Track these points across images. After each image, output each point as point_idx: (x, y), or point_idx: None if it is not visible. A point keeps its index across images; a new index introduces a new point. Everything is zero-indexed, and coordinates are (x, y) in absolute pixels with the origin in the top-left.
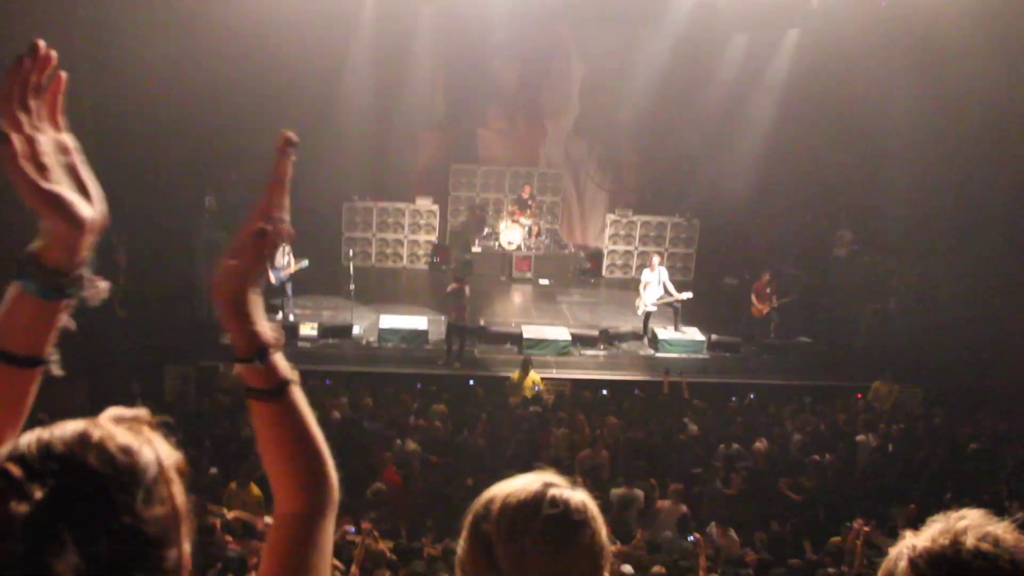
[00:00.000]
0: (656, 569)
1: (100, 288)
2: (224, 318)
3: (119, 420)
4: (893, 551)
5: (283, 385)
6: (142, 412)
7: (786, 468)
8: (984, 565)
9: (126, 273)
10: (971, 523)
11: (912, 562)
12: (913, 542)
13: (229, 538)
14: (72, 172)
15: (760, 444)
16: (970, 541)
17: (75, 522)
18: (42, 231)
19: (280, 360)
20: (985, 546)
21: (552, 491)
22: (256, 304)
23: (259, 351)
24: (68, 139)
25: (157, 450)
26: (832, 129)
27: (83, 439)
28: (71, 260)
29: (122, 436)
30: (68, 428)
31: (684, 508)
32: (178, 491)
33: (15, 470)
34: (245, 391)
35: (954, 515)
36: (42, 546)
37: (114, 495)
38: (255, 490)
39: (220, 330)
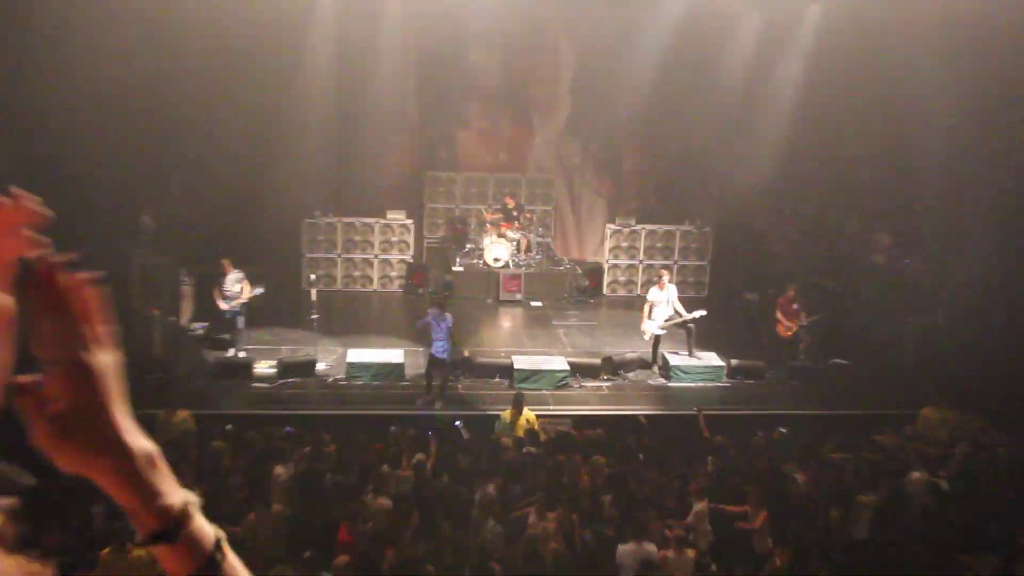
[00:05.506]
0: None
1: None
2: (105, 487)
3: None
4: None
5: (211, 560)
6: None
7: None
8: None
9: None
10: None
11: None
12: None
13: None
14: None
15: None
16: None
17: None
18: None
19: (200, 524)
20: None
21: None
22: (130, 440)
23: (172, 523)
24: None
25: None
26: (859, 121)
27: None
28: None
29: None
30: None
31: (692, 553)
32: None
33: None
34: None
35: None
36: None
37: None
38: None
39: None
